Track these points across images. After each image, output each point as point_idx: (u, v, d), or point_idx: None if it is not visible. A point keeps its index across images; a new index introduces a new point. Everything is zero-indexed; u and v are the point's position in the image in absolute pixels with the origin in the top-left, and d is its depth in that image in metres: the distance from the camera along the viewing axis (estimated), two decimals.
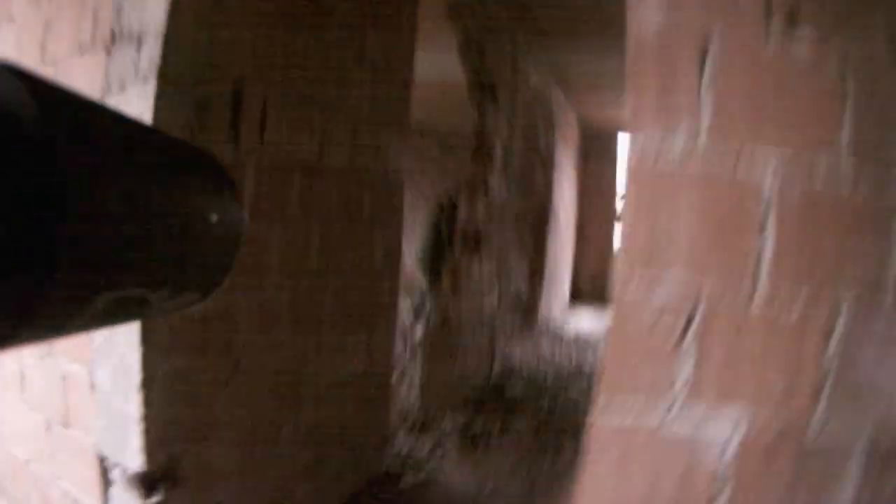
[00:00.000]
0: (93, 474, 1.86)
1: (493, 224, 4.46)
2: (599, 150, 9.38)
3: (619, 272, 1.34)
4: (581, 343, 6.40)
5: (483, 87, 4.05)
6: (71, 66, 1.71)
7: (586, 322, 7.68)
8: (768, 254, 1.31)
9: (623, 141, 9.13)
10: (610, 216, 9.43)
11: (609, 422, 1.34)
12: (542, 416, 4.28)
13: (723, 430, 1.30)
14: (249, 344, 2.12)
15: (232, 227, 0.50)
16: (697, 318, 1.32)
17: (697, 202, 1.32)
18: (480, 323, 4.59)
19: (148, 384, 1.80)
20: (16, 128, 0.30)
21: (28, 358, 1.96)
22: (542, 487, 3.25)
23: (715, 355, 1.31)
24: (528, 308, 6.07)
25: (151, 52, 1.43)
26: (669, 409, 1.33)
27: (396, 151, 2.90)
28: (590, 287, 9.15)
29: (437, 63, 5.14)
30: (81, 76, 1.72)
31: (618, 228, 1.39)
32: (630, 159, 1.33)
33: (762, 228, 1.31)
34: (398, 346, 5.93)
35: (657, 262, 1.33)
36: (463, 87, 4.15)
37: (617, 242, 1.39)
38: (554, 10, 4.35)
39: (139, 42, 1.44)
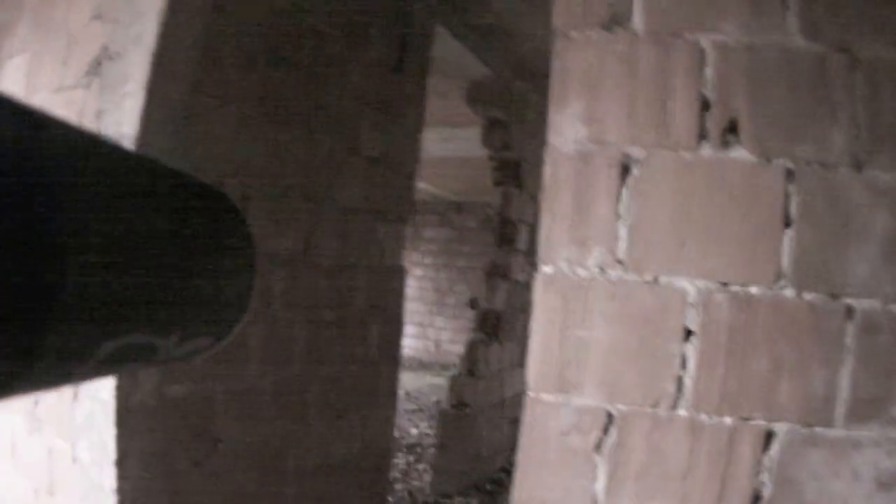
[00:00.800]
0: None
1: (516, 307, 4.46)
2: None
3: (528, 388, 1.29)
4: None
5: (507, 169, 4.11)
6: None
7: None
8: (692, 365, 1.24)
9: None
10: None
11: None
12: None
13: None
14: (228, 426, 2.18)
15: (243, 266, 0.47)
16: (612, 432, 1.26)
17: (613, 312, 1.26)
18: (502, 407, 4.54)
19: (122, 460, 1.90)
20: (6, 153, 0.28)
21: (20, 429, 2.10)
22: None
23: (631, 468, 1.25)
24: None
25: None
26: None
27: (393, 243, 2.90)
28: None
29: (471, 139, 5.24)
30: None
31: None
32: (541, 275, 1.30)
33: (685, 338, 1.24)
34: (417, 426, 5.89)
35: (567, 381, 1.27)
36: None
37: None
38: None
39: None
